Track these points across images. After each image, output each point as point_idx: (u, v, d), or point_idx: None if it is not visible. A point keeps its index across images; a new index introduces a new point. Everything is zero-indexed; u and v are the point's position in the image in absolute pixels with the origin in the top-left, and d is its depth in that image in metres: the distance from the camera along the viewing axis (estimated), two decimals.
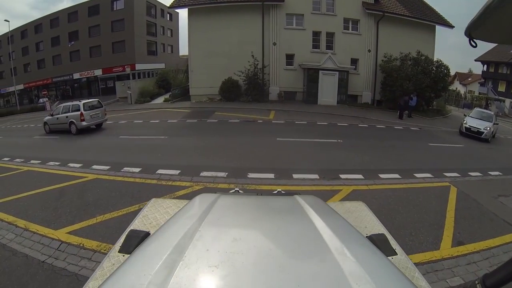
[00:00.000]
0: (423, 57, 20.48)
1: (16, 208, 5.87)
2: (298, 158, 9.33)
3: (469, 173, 8.54)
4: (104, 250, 4.23)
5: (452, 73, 38.45)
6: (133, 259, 1.15)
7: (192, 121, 15.88)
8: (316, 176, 7.48)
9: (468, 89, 46.92)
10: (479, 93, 41.59)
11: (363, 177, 7.51)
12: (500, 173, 8.96)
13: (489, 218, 5.71)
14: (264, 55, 20.74)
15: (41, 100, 32.30)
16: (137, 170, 7.95)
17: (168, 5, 25.79)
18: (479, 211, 6.02)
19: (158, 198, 2.51)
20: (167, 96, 26.16)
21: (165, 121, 15.96)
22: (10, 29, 36.52)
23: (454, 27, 22.21)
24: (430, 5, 23.88)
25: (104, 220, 5.22)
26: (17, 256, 4.28)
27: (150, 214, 2.16)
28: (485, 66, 41.93)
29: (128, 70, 27.06)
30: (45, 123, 15.96)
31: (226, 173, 7.56)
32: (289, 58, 21.45)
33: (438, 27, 22.67)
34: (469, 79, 49.39)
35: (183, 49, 42.90)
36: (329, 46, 21.23)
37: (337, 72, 20.36)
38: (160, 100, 25.59)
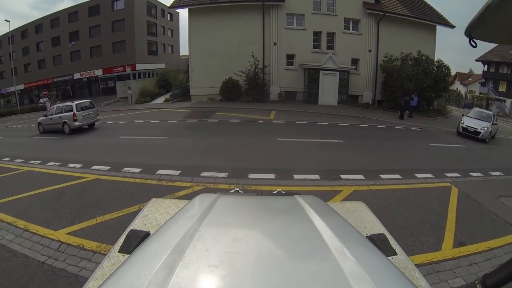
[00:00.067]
0: (423, 57, 20.46)
1: (16, 209, 5.87)
2: (298, 158, 9.33)
3: (470, 173, 8.53)
4: (104, 251, 4.22)
5: (453, 73, 38.53)
6: (133, 259, 1.14)
7: (192, 121, 15.88)
8: (317, 177, 7.47)
9: (469, 89, 46.92)
10: (480, 93, 41.59)
11: (364, 178, 7.50)
12: (501, 174, 8.95)
13: (490, 219, 5.69)
14: (265, 55, 20.74)
15: (41, 100, 32.31)
16: (137, 170, 7.95)
17: (168, 5, 25.81)
18: (480, 211, 6.01)
19: (158, 198, 2.50)
20: (167, 96, 26.16)
21: (166, 121, 15.97)
22: (11, 29, 36.66)
23: (454, 27, 22.21)
24: (431, 5, 23.88)
25: (104, 221, 5.21)
26: (17, 257, 4.27)
27: (150, 214, 2.16)
28: (486, 66, 41.94)
29: (128, 70, 27.09)
30: (39, 123, 16.29)
31: (227, 174, 7.55)
32: (290, 58, 21.44)
33: (438, 27, 22.66)
34: (470, 79, 49.39)
35: (184, 49, 42.94)
36: (330, 46, 21.23)
37: (338, 72, 20.35)
38: (160, 100, 25.62)
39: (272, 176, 7.44)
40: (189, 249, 1.10)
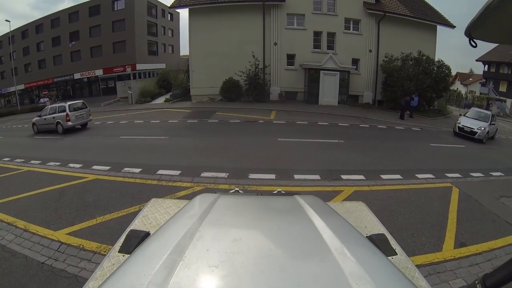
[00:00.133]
0: (424, 57, 20.47)
1: (16, 209, 5.87)
2: (299, 158, 9.32)
3: (471, 173, 8.52)
4: (104, 252, 4.22)
5: (453, 73, 38.53)
6: (133, 259, 1.14)
7: (192, 121, 15.89)
8: (317, 177, 7.46)
9: (469, 89, 46.94)
10: (480, 93, 41.61)
11: (364, 178, 7.49)
12: (502, 174, 8.95)
13: (491, 219, 5.69)
14: (265, 55, 20.74)
15: (41, 100, 32.37)
16: (137, 170, 7.95)
17: (168, 5, 25.83)
18: (481, 212, 6.00)
19: (158, 198, 2.50)
20: (167, 96, 26.20)
21: (166, 121, 15.97)
22: (11, 29, 36.69)
23: (455, 27, 22.21)
24: (431, 5, 23.88)
25: (104, 221, 5.21)
26: (17, 257, 4.27)
27: (150, 214, 2.16)
28: (486, 66, 41.96)
29: (129, 70, 27.12)
30: (34, 123, 16.67)
31: (227, 174, 7.55)
32: (290, 58, 21.45)
33: (439, 27, 22.68)
34: (470, 79, 49.40)
35: (184, 49, 42.99)
36: (330, 46, 21.24)
37: (338, 72, 20.36)
38: (160, 100, 25.64)
39: (272, 176, 7.44)
40: (189, 249, 1.10)
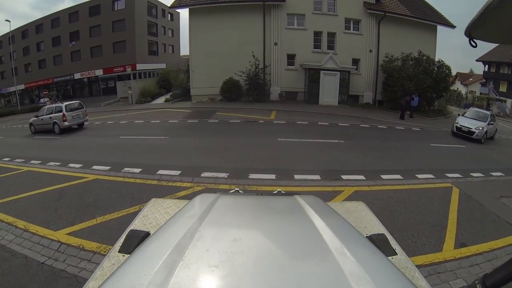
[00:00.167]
0: (424, 57, 20.46)
1: (16, 209, 5.87)
2: (299, 158, 9.32)
3: (471, 174, 8.52)
4: (104, 252, 4.22)
5: (453, 73, 38.51)
6: (133, 259, 1.14)
7: (193, 121, 15.89)
8: (317, 177, 7.46)
9: (470, 89, 46.93)
10: (481, 93, 41.60)
11: (365, 178, 7.49)
12: (502, 174, 8.95)
13: (491, 220, 5.69)
14: (265, 55, 20.74)
15: (42, 100, 32.36)
16: (137, 170, 7.95)
17: (169, 5, 25.83)
18: (481, 212, 6.00)
19: (158, 198, 2.50)
20: (168, 96, 26.20)
21: (166, 121, 15.97)
22: (11, 29, 36.67)
23: (455, 27, 22.21)
24: (431, 5, 23.88)
25: (104, 221, 5.21)
26: (17, 257, 4.27)
27: (150, 214, 2.16)
28: (487, 66, 41.92)
29: (129, 70, 27.11)
30: (31, 124, 16.86)
31: (227, 174, 7.55)
32: (290, 58, 21.45)
33: (439, 27, 22.67)
34: (470, 79, 49.38)
35: (184, 49, 43.01)
36: (330, 46, 21.23)
37: (338, 72, 20.35)
38: (161, 100, 25.64)
39: (272, 176, 7.44)
40: (189, 249, 1.10)
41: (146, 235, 1.59)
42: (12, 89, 38.28)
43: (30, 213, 5.65)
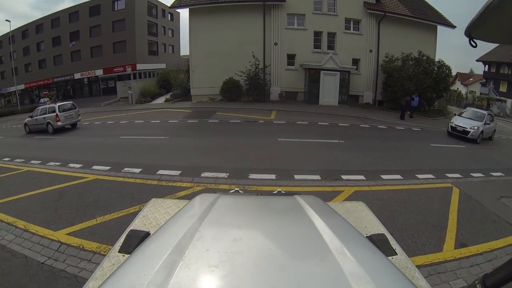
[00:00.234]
0: (424, 57, 20.46)
1: (16, 209, 5.87)
2: (299, 158, 9.32)
3: (471, 174, 8.52)
4: (104, 252, 4.22)
5: (454, 73, 38.50)
6: (133, 259, 1.14)
7: (193, 121, 15.89)
8: (317, 177, 7.46)
9: (470, 90, 46.88)
10: (481, 94, 41.57)
11: (365, 178, 7.49)
12: (502, 174, 8.95)
13: (491, 220, 5.68)
14: (265, 55, 20.73)
15: (42, 100, 32.36)
16: (137, 170, 7.95)
17: (169, 5, 25.83)
18: (481, 212, 6.00)
19: (158, 198, 2.50)
20: (168, 96, 26.20)
21: (166, 121, 15.97)
22: (11, 29, 36.69)
23: (455, 27, 22.19)
24: (431, 5, 23.87)
25: (104, 221, 5.21)
26: (17, 257, 4.27)
27: (150, 214, 2.15)
28: (487, 66, 41.92)
29: (129, 70, 27.09)
30: (26, 124, 17.29)
31: (227, 174, 7.55)
32: (290, 58, 21.45)
33: (439, 27, 22.66)
34: (471, 79, 49.36)
35: (184, 49, 43.05)
36: (331, 46, 21.23)
37: (339, 72, 20.35)
38: (161, 100, 25.64)
39: (272, 176, 7.43)
40: (189, 249, 1.10)
41: (146, 235, 1.59)
42: (12, 89, 38.30)
43: (30, 213, 5.65)
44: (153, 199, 2.46)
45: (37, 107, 17.91)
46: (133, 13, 35.09)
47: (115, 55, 35.51)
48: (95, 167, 8.42)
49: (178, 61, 41.05)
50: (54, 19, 38.44)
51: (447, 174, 8.21)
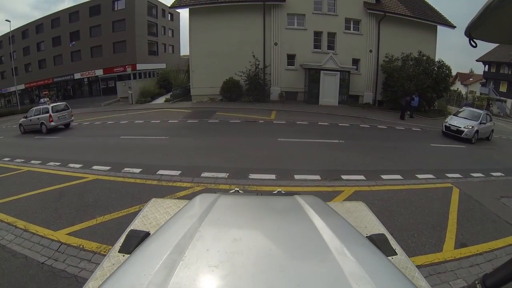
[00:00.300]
0: (424, 58, 20.45)
1: (16, 209, 5.87)
2: (299, 158, 9.32)
3: (471, 174, 8.52)
4: (104, 252, 4.22)
5: (454, 73, 38.48)
6: (133, 259, 1.14)
7: (193, 121, 15.89)
8: (317, 177, 7.46)
9: (470, 90, 46.86)
10: (481, 94, 41.53)
11: (365, 178, 7.49)
12: (502, 174, 8.95)
13: (491, 220, 5.69)
14: (265, 55, 20.73)
15: (42, 100, 32.30)
16: (137, 170, 7.95)
17: (169, 5, 25.83)
18: (481, 212, 6.00)
19: (158, 198, 2.50)
20: (168, 96, 26.18)
21: (166, 121, 15.97)
22: (11, 29, 36.68)
23: (455, 27, 22.18)
24: (431, 5, 23.86)
25: (104, 221, 5.21)
26: (17, 257, 4.27)
27: (150, 214, 2.15)
28: (487, 66, 41.91)
29: (129, 70, 27.07)
30: (20, 124, 17.76)
31: (227, 174, 7.55)
32: (290, 58, 21.45)
33: (439, 27, 22.65)
34: (471, 79, 49.36)
35: (184, 49, 43.05)
36: (331, 46, 21.23)
37: (339, 72, 20.34)
38: (161, 100, 25.63)
39: (272, 176, 7.43)
40: (189, 249, 1.10)
41: (146, 235, 1.59)
42: (12, 89, 38.28)
43: (30, 213, 5.65)
44: (153, 199, 2.46)
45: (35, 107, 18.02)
46: (133, 13, 35.08)
47: (115, 55, 35.51)
48: (95, 167, 8.42)
49: (178, 61, 41.03)
50: (54, 19, 38.43)
51: (447, 174, 8.22)
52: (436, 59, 21.20)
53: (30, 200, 6.31)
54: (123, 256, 1.56)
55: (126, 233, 1.72)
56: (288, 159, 9.23)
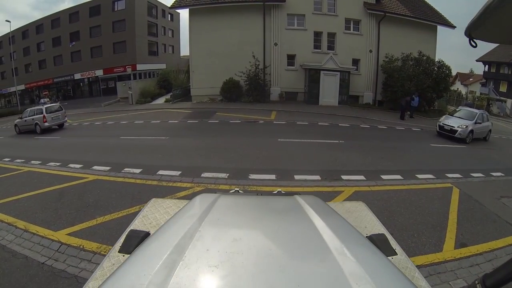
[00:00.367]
0: (424, 58, 20.45)
1: (16, 209, 5.87)
2: (299, 159, 9.31)
3: (471, 174, 8.51)
4: (104, 252, 4.22)
5: (454, 73, 38.48)
6: (133, 259, 1.14)
7: (193, 121, 15.89)
8: (317, 177, 7.46)
9: (470, 90, 46.86)
10: (481, 94, 41.51)
11: (365, 178, 7.49)
12: (502, 174, 8.94)
13: (491, 220, 5.69)
14: (265, 56, 20.73)
15: (42, 100, 32.25)
16: (137, 171, 7.95)
17: (169, 6, 25.84)
18: (481, 212, 6.00)
19: (158, 198, 2.50)
20: (168, 96, 26.16)
21: (166, 122, 15.98)
22: (12, 30, 36.66)
23: (455, 27, 22.19)
24: (431, 5, 23.87)
25: (104, 222, 5.21)
26: (17, 258, 4.27)
27: (150, 214, 2.16)
28: (487, 66, 41.92)
29: (129, 70, 27.06)
30: (16, 125, 18.24)
31: (227, 174, 7.55)
32: (290, 58, 21.45)
33: (439, 27, 22.65)
34: (471, 79, 49.36)
35: (184, 50, 43.05)
36: (331, 47, 21.24)
37: (339, 73, 20.34)
38: (161, 100, 25.62)
39: (273, 176, 7.43)
40: (189, 249, 1.10)
41: (146, 235, 1.59)
42: (12, 89, 38.27)
43: (30, 213, 5.65)
44: (153, 199, 2.46)
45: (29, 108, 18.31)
46: (133, 13, 35.11)
47: (115, 55, 35.53)
48: (95, 167, 8.42)
49: (178, 61, 41.03)
50: (54, 20, 38.45)
51: (447, 174, 8.21)
52: (436, 59, 21.20)
53: (30, 200, 6.31)
54: (123, 256, 1.56)
55: (126, 233, 1.72)
56: (288, 159, 9.22)
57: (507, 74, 38.45)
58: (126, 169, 8.10)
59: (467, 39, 1.30)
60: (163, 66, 37.97)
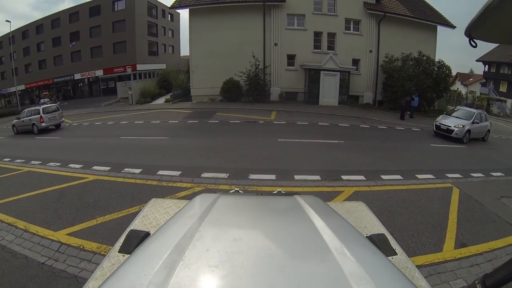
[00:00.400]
0: (424, 58, 20.45)
1: (16, 209, 5.87)
2: (299, 159, 9.31)
3: (471, 174, 8.51)
4: (104, 252, 4.22)
5: (454, 73, 38.48)
6: (133, 259, 1.14)
7: (193, 121, 15.89)
8: (317, 177, 7.46)
9: (470, 90, 46.86)
10: (481, 94, 41.53)
11: (365, 178, 7.49)
12: (502, 174, 8.94)
13: (491, 220, 5.68)
14: (265, 56, 20.73)
15: (42, 100, 32.21)
16: (137, 171, 7.95)
17: (169, 6, 25.85)
18: (481, 212, 6.00)
19: (158, 198, 2.50)
20: (168, 96, 26.13)
21: (166, 122, 15.98)
22: (12, 30, 36.64)
23: (455, 27, 22.19)
24: (431, 5, 23.88)
25: (104, 222, 5.21)
26: (17, 258, 4.27)
27: (150, 214, 2.16)
28: (487, 66, 41.94)
29: (129, 70, 27.04)
30: (13, 125, 18.46)
31: (228, 174, 7.55)
32: (290, 58, 21.45)
33: (439, 27, 22.65)
34: (471, 79, 49.37)
35: (184, 50, 43.07)
36: (331, 47, 21.24)
37: (339, 73, 20.34)
38: (161, 100, 25.61)
39: (273, 176, 7.43)
40: (189, 249, 1.10)
41: (146, 235, 1.59)
42: (12, 89, 38.25)
43: (30, 213, 5.65)
44: (153, 199, 2.46)
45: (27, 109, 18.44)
46: (133, 13, 35.12)
47: (115, 55, 35.54)
48: (95, 167, 8.42)
49: (178, 61, 41.01)
50: (54, 20, 38.47)
51: (447, 174, 8.21)
52: (436, 59, 21.19)
53: (30, 201, 6.31)
54: (123, 256, 1.56)
55: (126, 233, 1.72)
56: (288, 159, 9.22)
57: (507, 74, 38.47)
58: (126, 169, 8.10)
59: (467, 39, 1.30)
60: (163, 66, 37.96)
